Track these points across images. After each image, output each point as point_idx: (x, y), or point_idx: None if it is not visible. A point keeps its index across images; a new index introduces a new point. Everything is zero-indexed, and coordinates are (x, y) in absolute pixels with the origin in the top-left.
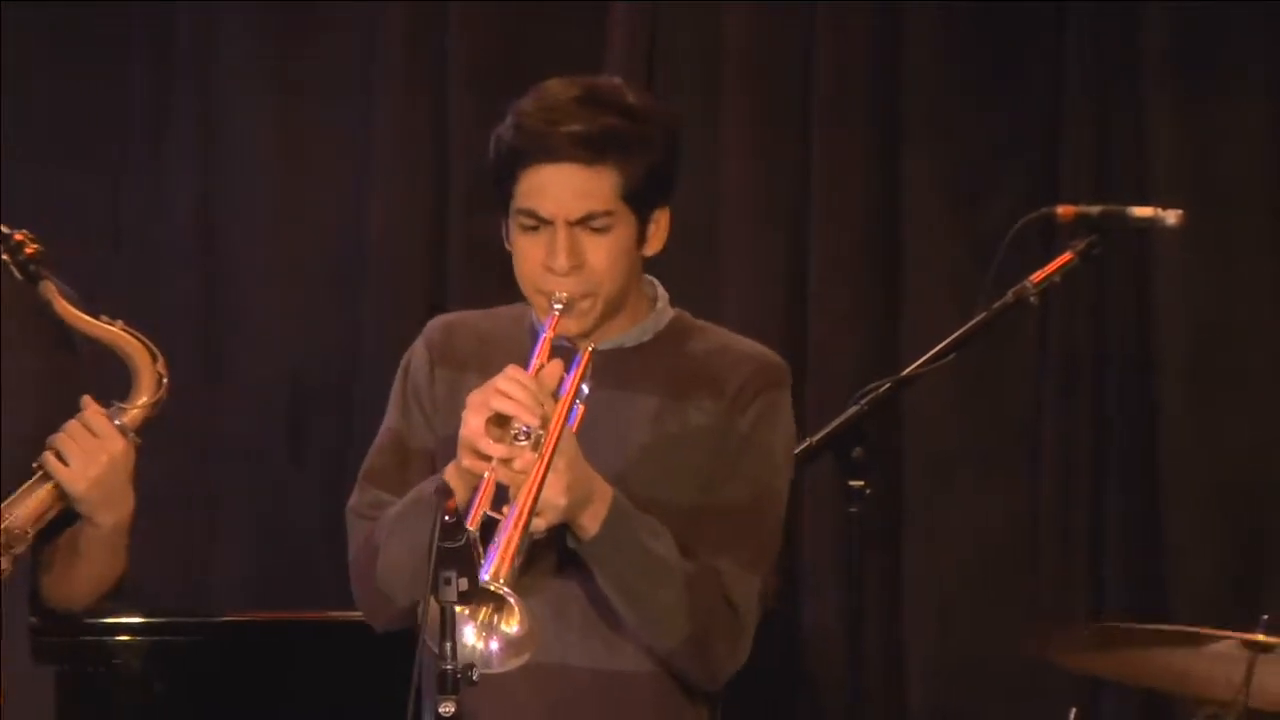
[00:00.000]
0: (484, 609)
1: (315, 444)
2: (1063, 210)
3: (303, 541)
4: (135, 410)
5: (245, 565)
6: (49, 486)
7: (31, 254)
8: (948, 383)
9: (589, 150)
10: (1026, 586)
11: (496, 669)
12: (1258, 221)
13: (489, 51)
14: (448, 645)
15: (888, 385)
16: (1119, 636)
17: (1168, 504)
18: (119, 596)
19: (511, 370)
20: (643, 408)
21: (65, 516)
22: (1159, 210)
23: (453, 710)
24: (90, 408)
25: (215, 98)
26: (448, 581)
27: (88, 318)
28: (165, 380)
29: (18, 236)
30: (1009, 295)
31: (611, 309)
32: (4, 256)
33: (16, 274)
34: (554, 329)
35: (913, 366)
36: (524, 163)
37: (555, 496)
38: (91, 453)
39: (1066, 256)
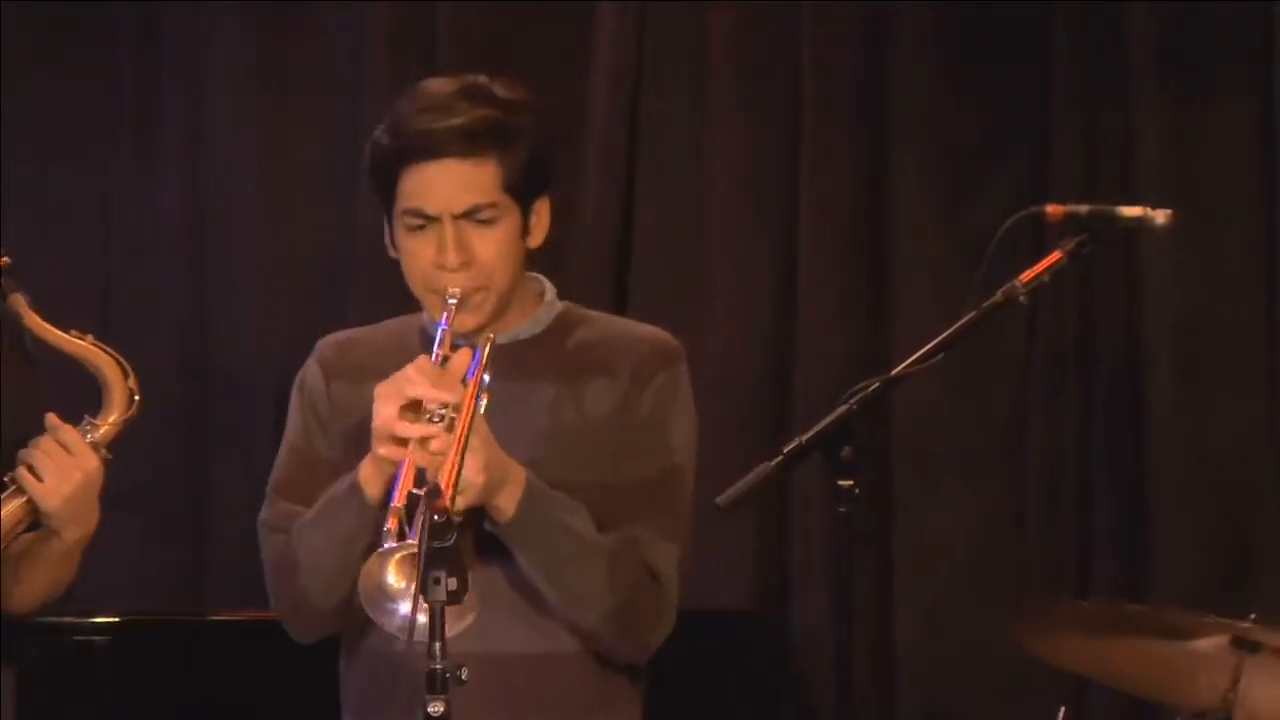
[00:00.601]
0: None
1: None
2: (1051, 210)
3: None
4: (106, 427)
5: (232, 564)
6: (22, 501)
7: (1, 266)
8: (936, 382)
9: (468, 143)
10: (1014, 585)
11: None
12: (1245, 220)
13: (476, 51)
14: (436, 645)
15: (877, 385)
16: (1104, 618)
17: (1155, 502)
18: (67, 602)
19: (420, 360)
20: (542, 396)
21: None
22: (1148, 210)
23: (442, 710)
24: (64, 425)
25: (204, 97)
26: (437, 581)
27: (58, 332)
28: (137, 397)
29: None
30: (998, 295)
31: (503, 302)
32: None
33: None
34: (450, 322)
35: (902, 366)
36: (405, 162)
37: (473, 475)
38: (66, 470)
39: (1055, 256)
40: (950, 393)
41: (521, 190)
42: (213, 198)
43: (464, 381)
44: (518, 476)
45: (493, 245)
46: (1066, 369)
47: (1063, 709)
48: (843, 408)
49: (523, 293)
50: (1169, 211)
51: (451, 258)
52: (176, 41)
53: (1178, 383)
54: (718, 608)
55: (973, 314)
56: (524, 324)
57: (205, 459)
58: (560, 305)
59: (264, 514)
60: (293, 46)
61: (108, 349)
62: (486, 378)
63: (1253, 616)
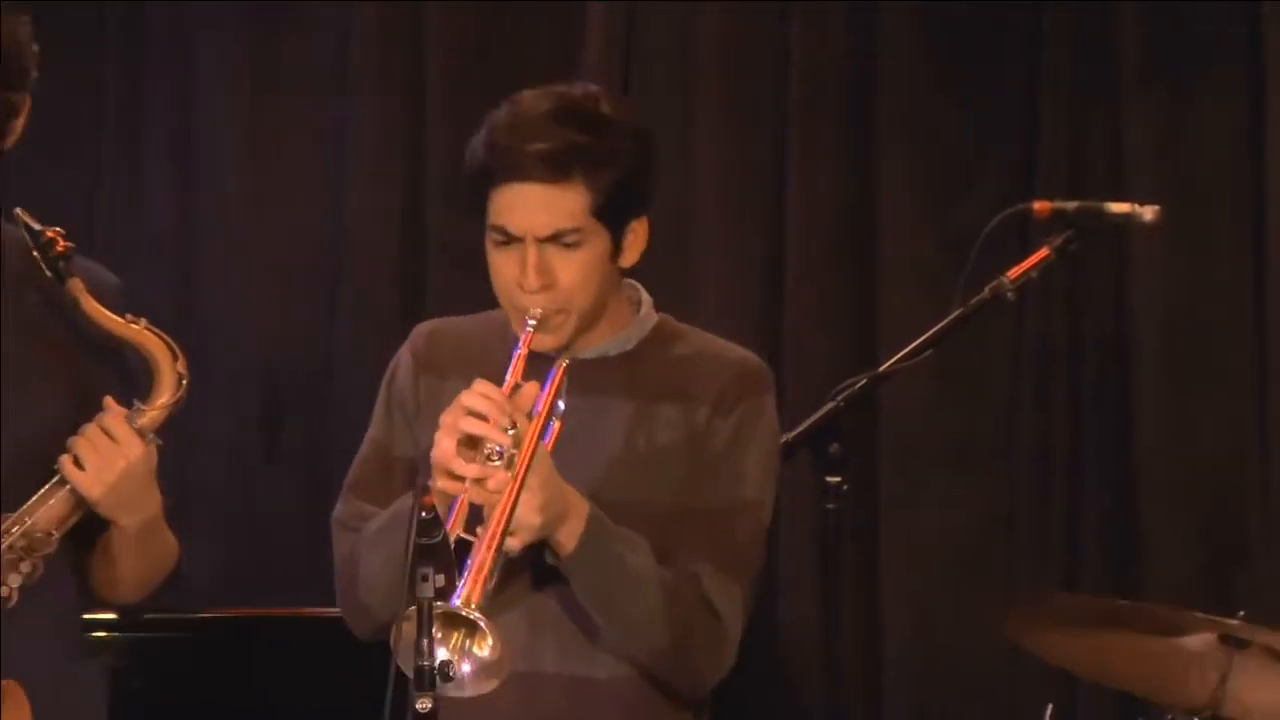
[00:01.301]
0: (456, 633)
1: (289, 441)
2: (1039, 206)
3: (276, 538)
4: (154, 411)
5: (218, 562)
6: (66, 491)
7: (61, 251)
8: (924, 378)
9: (554, 169)
10: (1002, 582)
11: (468, 692)
12: (1232, 218)
13: (465, 50)
14: (424, 641)
15: (865, 381)
16: (1093, 611)
17: (1143, 500)
18: (175, 584)
19: (480, 386)
20: (618, 415)
21: (100, 518)
22: (1136, 206)
23: (429, 707)
24: (111, 410)
25: (191, 96)
26: (424, 578)
27: (112, 316)
28: (185, 380)
29: (49, 234)
30: (986, 291)
31: (587, 322)
32: (34, 253)
33: (46, 271)
34: (528, 345)
35: (890, 362)
36: (494, 180)
37: (530, 516)
38: (108, 458)
39: (1043, 253)
40: (938, 389)
41: (611, 214)
42: (200, 196)
43: (530, 414)
44: (580, 511)
45: (576, 268)
46: (1054, 366)
47: (1050, 707)
48: (831, 404)
49: (616, 306)
50: (1156, 208)
51: (532, 280)
52: (163, 40)
53: (1165, 380)
54: None
55: (960, 311)
56: (613, 340)
57: (191, 456)
58: (655, 319)
59: (338, 510)
60: (280, 45)
61: (160, 332)
62: (561, 404)
63: (1242, 614)
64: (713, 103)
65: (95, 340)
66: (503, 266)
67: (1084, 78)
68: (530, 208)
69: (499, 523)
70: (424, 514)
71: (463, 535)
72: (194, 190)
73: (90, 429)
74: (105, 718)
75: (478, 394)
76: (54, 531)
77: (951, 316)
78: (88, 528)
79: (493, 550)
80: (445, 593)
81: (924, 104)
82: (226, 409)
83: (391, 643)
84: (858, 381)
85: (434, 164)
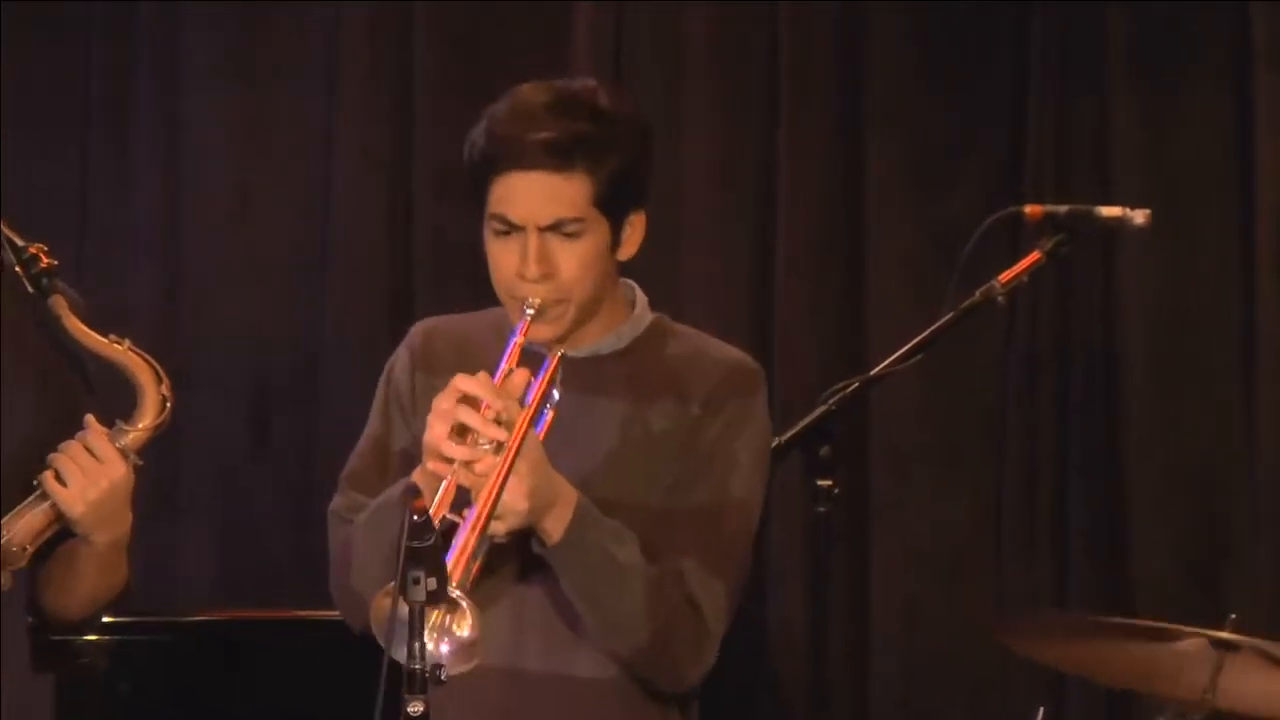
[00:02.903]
0: (436, 612)
1: (277, 439)
2: (1030, 210)
3: (264, 538)
4: (137, 432)
5: (206, 563)
6: (47, 506)
7: (45, 268)
8: (913, 380)
9: (558, 157)
10: (991, 583)
11: (446, 672)
12: (1220, 216)
13: (453, 47)
14: (415, 645)
15: (855, 384)
16: (1085, 629)
17: (1132, 499)
18: (121, 605)
19: (480, 376)
20: (609, 412)
21: (62, 531)
22: (1127, 210)
23: (421, 710)
24: (93, 428)
25: (179, 92)
26: (416, 581)
27: (95, 335)
28: (170, 404)
29: (32, 249)
30: (977, 294)
31: (585, 315)
32: (16, 269)
33: (28, 286)
34: (525, 335)
35: (881, 366)
36: (495, 169)
37: (517, 501)
38: (91, 476)
39: (1034, 256)
40: (927, 391)
41: (612, 205)
42: (187, 192)
43: (521, 402)
44: (568, 500)
45: (576, 259)
46: (1042, 365)
47: (1041, 709)
48: (822, 408)
49: (611, 303)
50: (1147, 211)
51: (532, 269)
52: (151, 35)
53: (1153, 381)
54: None
55: (951, 314)
56: (607, 338)
57: (176, 453)
58: (650, 317)
59: (334, 503)
60: (269, 41)
61: (143, 354)
62: (556, 394)
63: (1233, 617)
64: (700, 101)
65: (74, 359)
66: (502, 256)
67: (1071, 74)
68: (532, 196)
69: (485, 505)
70: (415, 517)
71: (449, 516)
72: (182, 186)
73: (73, 446)
74: None
75: (469, 378)
76: (29, 546)
77: (942, 320)
78: (44, 544)
79: (477, 532)
80: (437, 596)
81: (911, 101)
82: (213, 405)
83: (372, 619)
84: (848, 385)
85: (421, 161)
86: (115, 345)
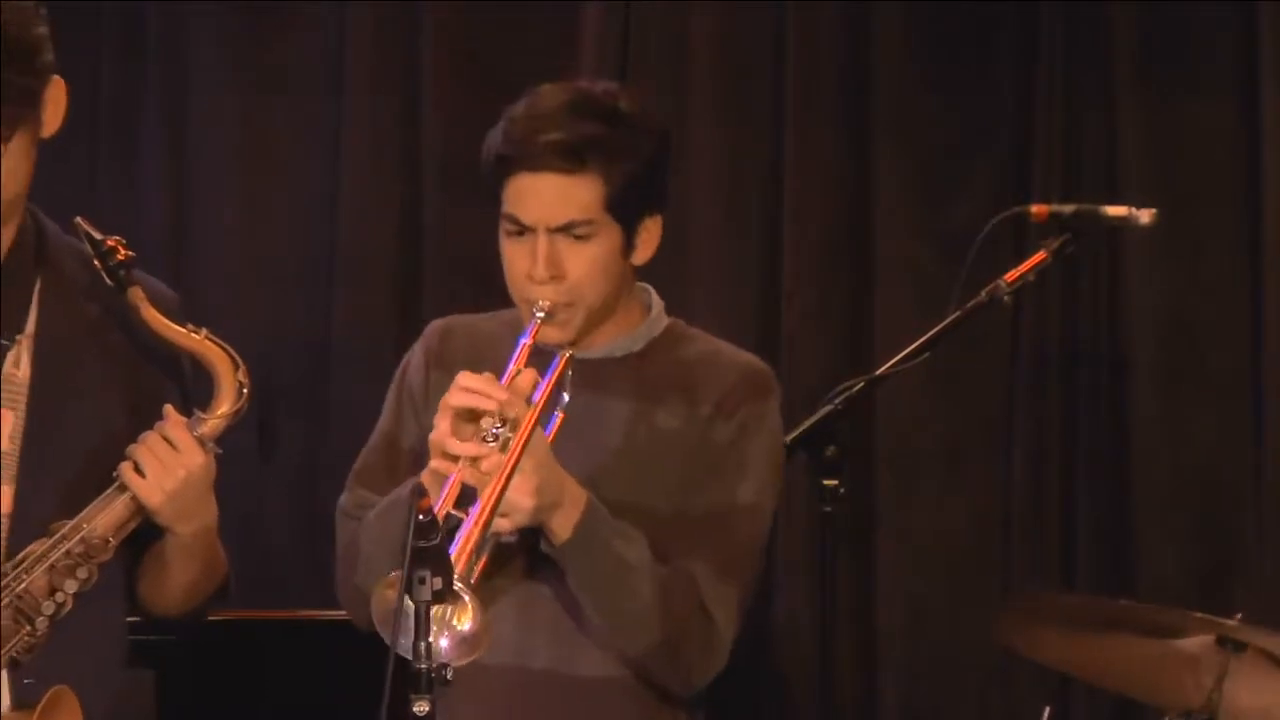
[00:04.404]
0: (438, 605)
1: (285, 441)
2: (1036, 210)
3: (272, 540)
4: (215, 420)
5: None
6: (127, 497)
7: (122, 260)
8: (919, 381)
9: (569, 159)
10: (997, 584)
11: (448, 666)
12: (1227, 221)
13: (460, 50)
14: (421, 645)
15: (861, 384)
16: (1090, 612)
17: (1138, 501)
18: (223, 599)
19: (485, 376)
20: (621, 415)
21: (155, 524)
22: (1132, 210)
23: (427, 709)
24: (171, 418)
25: (186, 96)
26: (421, 581)
27: (173, 325)
28: (246, 390)
29: (109, 242)
30: (982, 295)
31: (595, 318)
32: (94, 262)
33: (106, 279)
34: (534, 336)
35: (887, 365)
36: (509, 170)
37: (522, 498)
38: (169, 466)
39: (1040, 256)
40: (933, 391)
41: (625, 209)
42: (195, 197)
43: (529, 401)
44: (577, 499)
45: (586, 262)
46: (1049, 368)
47: (1047, 709)
48: (827, 407)
49: (627, 307)
50: (1153, 211)
51: (541, 270)
52: (159, 39)
53: (1160, 382)
54: None
55: (957, 314)
56: (621, 341)
57: None
58: (665, 322)
59: (342, 500)
60: (276, 45)
61: (220, 342)
62: (565, 396)
63: (1239, 615)
64: (707, 104)
65: (154, 350)
66: (514, 257)
67: (1078, 78)
68: (543, 198)
69: (489, 501)
70: (421, 517)
71: (454, 513)
72: (189, 189)
73: (151, 436)
74: None
75: (475, 376)
76: (111, 539)
77: (948, 320)
78: (140, 537)
79: (480, 526)
80: (442, 595)
81: (918, 104)
82: None
83: (373, 609)
84: (854, 384)
85: (429, 163)
86: (193, 335)
